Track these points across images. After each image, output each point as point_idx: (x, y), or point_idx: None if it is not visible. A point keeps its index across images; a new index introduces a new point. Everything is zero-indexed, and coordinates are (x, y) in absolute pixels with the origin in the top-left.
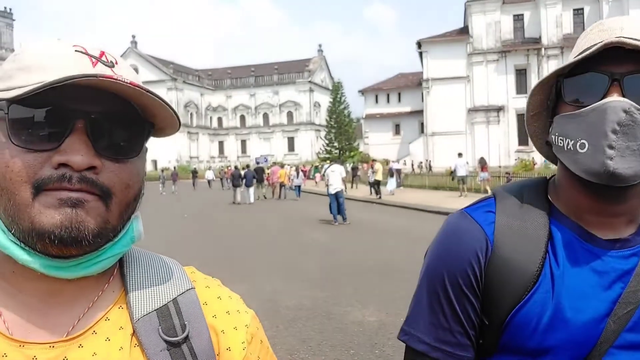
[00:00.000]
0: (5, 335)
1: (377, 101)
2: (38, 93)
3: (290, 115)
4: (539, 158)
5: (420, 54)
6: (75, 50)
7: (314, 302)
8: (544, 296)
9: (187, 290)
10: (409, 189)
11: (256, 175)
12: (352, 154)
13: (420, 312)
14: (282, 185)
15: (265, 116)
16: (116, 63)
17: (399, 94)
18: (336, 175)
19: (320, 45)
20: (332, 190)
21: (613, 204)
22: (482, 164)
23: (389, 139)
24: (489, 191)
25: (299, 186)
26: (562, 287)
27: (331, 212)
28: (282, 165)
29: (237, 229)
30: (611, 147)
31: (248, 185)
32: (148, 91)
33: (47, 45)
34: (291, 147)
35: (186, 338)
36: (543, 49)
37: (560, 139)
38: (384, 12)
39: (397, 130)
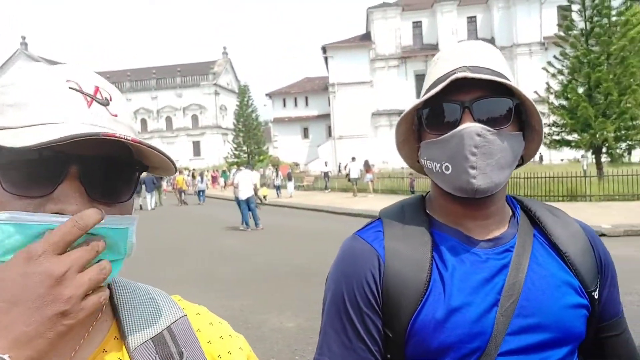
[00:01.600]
0: None
1: (285, 105)
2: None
3: (195, 118)
4: None
5: (326, 58)
6: (69, 87)
7: (231, 312)
8: (437, 298)
9: (181, 317)
10: (315, 191)
11: (155, 181)
12: (261, 157)
13: (327, 337)
14: (181, 191)
15: (169, 119)
16: (111, 99)
17: (307, 98)
18: (247, 181)
19: (225, 48)
20: (243, 196)
21: (483, 209)
22: (367, 166)
23: (298, 142)
24: (372, 191)
25: (203, 191)
26: (451, 287)
27: (243, 219)
28: (179, 172)
29: (140, 236)
30: (473, 167)
31: (148, 191)
32: (149, 146)
33: (38, 77)
34: (197, 152)
35: None
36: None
37: (429, 162)
38: (288, 15)
39: (305, 133)
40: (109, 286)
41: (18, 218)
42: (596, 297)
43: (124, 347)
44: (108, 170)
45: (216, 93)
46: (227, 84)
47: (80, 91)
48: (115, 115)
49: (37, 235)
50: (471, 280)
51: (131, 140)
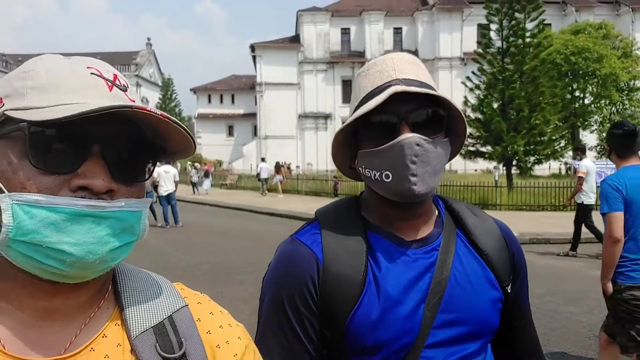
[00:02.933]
0: (0, 351)
1: (210, 101)
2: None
3: None
4: None
5: (254, 57)
6: (91, 73)
7: None
8: (371, 298)
9: (182, 307)
10: (239, 190)
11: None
12: None
13: (266, 340)
14: None
15: None
16: (127, 87)
17: (233, 96)
18: (169, 177)
19: (149, 39)
20: (164, 192)
21: (415, 210)
22: (277, 168)
23: (223, 140)
24: (280, 191)
25: None
26: (385, 287)
27: (164, 215)
28: None
29: None
30: (413, 174)
31: None
32: (176, 122)
33: (59, 63)
34: None
35: (183, 355)
36: (367, 63)
37: (367, 171)
38: (215, 10)
39: (230, 131)
40: (113, 272)
41: (42, 201)
42: (509, 290)
43: (124, 334)
44: (129, 150)
45: (138, 85)
46: (149, 75)
47: (101, 76)
48: (133, 101)
49: (62, 217)
50: (402, 280)
51: (160, 115)
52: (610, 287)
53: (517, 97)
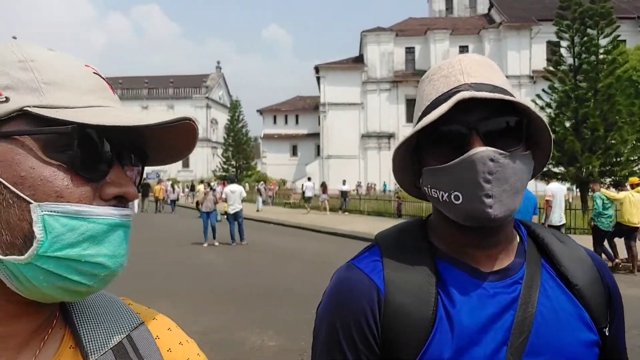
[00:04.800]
0: None
1: (275, 122)
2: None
3: None
4: None
5: (318, 78)
6: (93, 72)
7: (211, 328)
8: (444, 337)
9: (139, 324)
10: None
11: (141, 189)
12: (249, 173)
13: None
14: (157, 199)
15: None
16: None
17: (297, 116)
18: (236, 196)
19: (218, 62)
20: (232, 211)
21: (493, 237)
22: (324, 187)
23: (287, 160)
24: (327, 209)
25: (174, 201)
26: (460, 325)
27: (230, 233)
28: (159, 182)
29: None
30: (488, 195)
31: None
32: (195, 135)
33: (57, 57)
34: (185, 164)
35: None
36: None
37: (434, 191)
38: (281, 34)
39: (294, 151)
40: None
41: (84, 212)
42: (607, 333)
43: (81, 357)
44: (137, 157)
45: (208, 106)
46: (219, 97)
47: (99, 75)
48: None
49: (102, 229)
50: (479, 317)
51: (191, 121)
52: None
53: (591, 115)
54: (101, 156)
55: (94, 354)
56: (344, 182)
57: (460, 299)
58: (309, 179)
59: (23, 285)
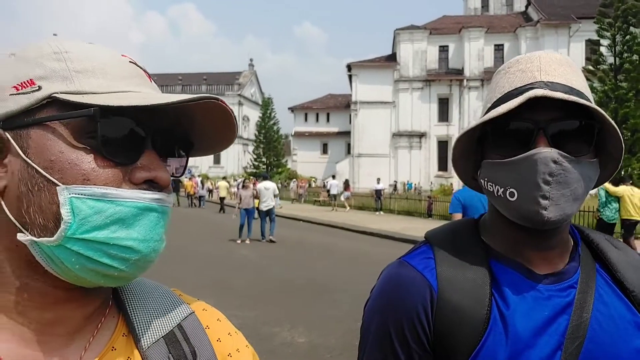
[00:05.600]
0: None
1: (306, 119)
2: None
3: None
4: (456, 184)
5: (350, 76)
6: (129, 61)
7: (243, 322)
8: (498, 338)
9: (189, 314)
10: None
11: (173, 184)
12: (280, 170)
13: None
14: (189, 195)
15: None
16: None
17: (328, 114)
18: (269, 193)
19: (251, 60)
20: (264, 208)
21: (548, 239)
22: (346, 185)
23: (317, 158)
24: (347, 207)
25: (203, 196)
26: (514, 327)
27: (261, 229)
28: (190, 178)
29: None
30: (545, 197)
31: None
32: (233, 121)
33: (90, 47)
34: (217, 160)
35: None
36: (465, 81)
37: (490, 185)
38: (314, 32)
39: (324, 149)
40: None
41: (111, 194)
42: None
43: (133, 345)
44: (172, 144)
45: (240, 104)
46: (251, 95)
47: (138, 66)
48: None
49: (131, 212)
50: (534, 320)
51: (230, 111)
52: None
53: (632, 116)
54: (130, 140)
55: (147, 341)
56: (378, 181)
57: (514, 300)
58: (334, 177)
59: (59, 267)
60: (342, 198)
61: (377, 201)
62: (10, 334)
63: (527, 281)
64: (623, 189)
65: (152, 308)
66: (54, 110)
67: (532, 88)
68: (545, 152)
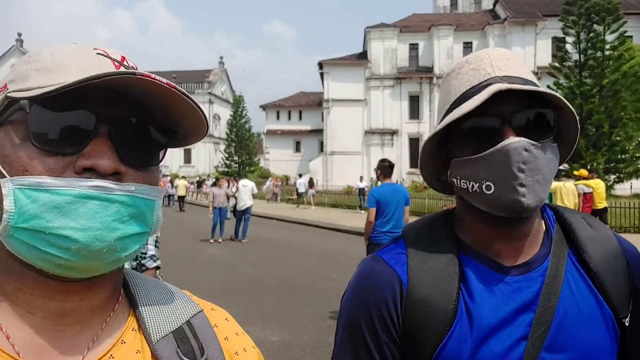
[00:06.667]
0: (14, 358)
1: (278, 117)
2: (60, 94)
3: None
4: None
5: (322, 74)
6: (97, 53)
7: None
8: (463, 331)
9: (198, 312)
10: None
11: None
12: (252, 169)
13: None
14: (180, 197)
15: None
16: (136, 69)
17: (300, 112)
18: (247, 191)
19: (221, 58)
20: (242, 207)
21: (520, 228)
22: (311, 183)
23: (290, 156)
24: (312, 205)
25: (172, 195)
26: (479, 320)
27: (235, 228)
28: (183, 177)
29: None
30: (522, 185)
31: None
32: (183, 93)
33: (65, 47)
34: (187, 160)
35: None
36: (435, 78)
37: (463, 182)
38: (284, 29)
39: (297, 147)
40: (123, 276)
41: (45, 183)
42: (626, 324)
43: (143, 339)
44: (137, 131)
45: (210, 102)
46: (221, 93)
47: (108, 57)
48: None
49: (66, 200)
50: (500, 312)
51: (166, 84)
52: (367, 242)
53: (596, 112)
54: (72, 129)
55: (156, 336)
56: (361, 179)
57: (481, 294)
58: (300, 175)
59: (22, 256)
60: (308, 195)
61: (361, 199)
62: (25, 323)
63: (496, 274)
64: (555, 185)
65: (162, 305)
66: (14, 109)
67: (489, 84)
68: (516, 142)
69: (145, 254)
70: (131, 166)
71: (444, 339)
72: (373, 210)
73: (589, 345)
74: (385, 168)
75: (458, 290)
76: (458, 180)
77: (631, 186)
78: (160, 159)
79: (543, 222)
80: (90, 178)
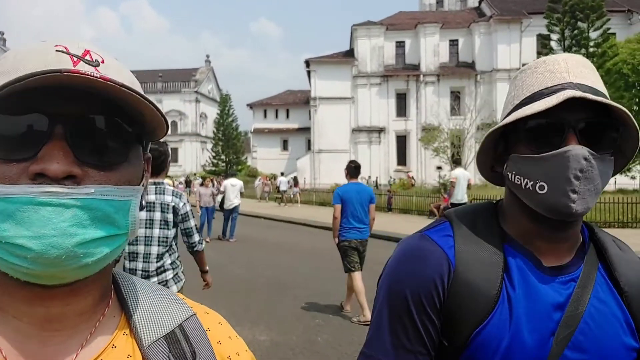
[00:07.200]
0: None
1: (265, 116)
2: (9, 97)
3: (174, 125)
4: (417, 178)
5: (309, 72)
6: (56, 50)
7: None
8: (503, 319)
9: (191, 316)
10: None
11: None
12: (240, 167)
13: (381, 334)
14: None
15: None
16: (102, 62)
17: (287, 110)
18: (235, 190)
19: (208, 56)
20: (229, 206)
21: (563, 232)
22: (295, 182)
23: (277, 154)
24: (299, 203)
25: None
26: (518, 310)
27: (223, 227)
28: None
29: None
30: (574, 191)
31: None
32: (123, 86)
33: (31, 47)
34: (174, 158)
35: None
36: (422, 76)
37: (518, 178)
38: (270, 28)
39: (285, 145)
40: (114, 279)
41: None
42: None
43: (134, 343)
44: (97, 129)
45: (197, 101)
46: (208, 92)
47: (67, 53)
48: (106, 77)
49: (18, 208)
50: (537, 306)
51: (99, 78)
52: (336, 240)
53: None
54: (23, 134)
55: (148, 340)
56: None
57: (522, 286)
58: (282, 174)
59: None
60: (291, 194)
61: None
62: (12, 329)
63: (535, 270)
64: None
65: (154, 308)
66: None
67: (563, 88)
68: (578, 150)
69: (194, 242)
70: (92, 167)
71: (483, 322)
72: (338, 206)
73: (610, 351)
74: (352, 169)
75: (502, 278)
76: (513, 175)
77: (615, 182)
78: (140, 155)
79: (580, 234)
80: (41, 184)
